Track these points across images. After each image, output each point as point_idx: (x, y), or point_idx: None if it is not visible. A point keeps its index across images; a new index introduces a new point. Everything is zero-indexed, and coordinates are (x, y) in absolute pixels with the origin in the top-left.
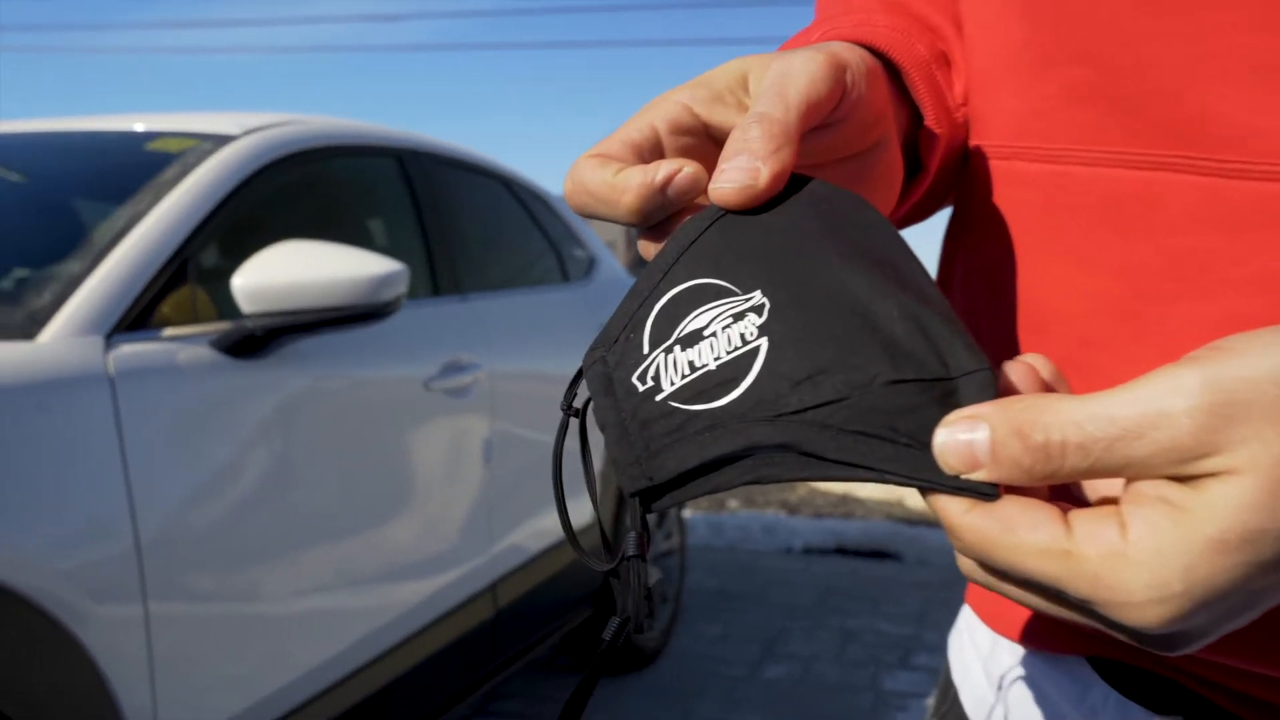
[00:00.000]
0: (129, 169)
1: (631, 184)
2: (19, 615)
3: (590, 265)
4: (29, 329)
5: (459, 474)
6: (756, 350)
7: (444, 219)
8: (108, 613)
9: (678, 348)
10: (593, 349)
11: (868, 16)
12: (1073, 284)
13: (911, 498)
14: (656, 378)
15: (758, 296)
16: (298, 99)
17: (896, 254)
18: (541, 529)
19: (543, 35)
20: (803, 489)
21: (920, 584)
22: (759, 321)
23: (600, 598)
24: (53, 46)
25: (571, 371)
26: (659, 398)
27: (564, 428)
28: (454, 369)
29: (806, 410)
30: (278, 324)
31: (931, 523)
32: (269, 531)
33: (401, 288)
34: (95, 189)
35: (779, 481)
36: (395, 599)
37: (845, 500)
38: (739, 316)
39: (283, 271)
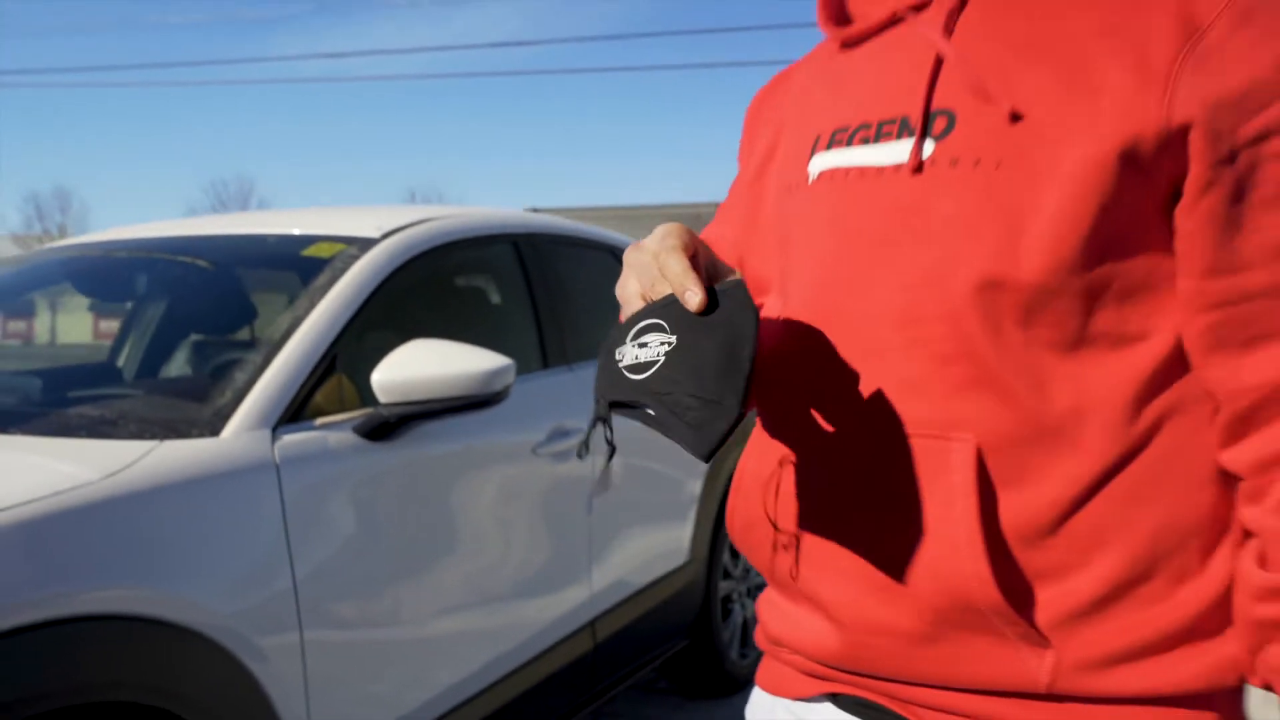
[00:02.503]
0: (289, 272)
1: (691, 285)
2: (198, 649)
3: None
4: (215, 425)
5: (563, 526)
6: (657, 360)
7: (554, 295)
8: (275, 656)
9: (634, 346)
10: (609, 340)
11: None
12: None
13: None
14: (622, 358)
15: (674, 338)
16: (428, 124)
17: (742, 329)
18: (637, 572)
19: (649, 58)
20: None
21: None
22: (668, 348)
23: (695, 629)
24: (191, 80)
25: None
26: (620, 365)
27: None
28: (559, 434)
29: (661, 393)
30: (408, 412)
31: None
32: (402, 577)
33: (509, 379)
34: (265, 288)
35: (631, 417)
36: (508, 633)
37: None
38: (663, 342)
39: (412, 368)
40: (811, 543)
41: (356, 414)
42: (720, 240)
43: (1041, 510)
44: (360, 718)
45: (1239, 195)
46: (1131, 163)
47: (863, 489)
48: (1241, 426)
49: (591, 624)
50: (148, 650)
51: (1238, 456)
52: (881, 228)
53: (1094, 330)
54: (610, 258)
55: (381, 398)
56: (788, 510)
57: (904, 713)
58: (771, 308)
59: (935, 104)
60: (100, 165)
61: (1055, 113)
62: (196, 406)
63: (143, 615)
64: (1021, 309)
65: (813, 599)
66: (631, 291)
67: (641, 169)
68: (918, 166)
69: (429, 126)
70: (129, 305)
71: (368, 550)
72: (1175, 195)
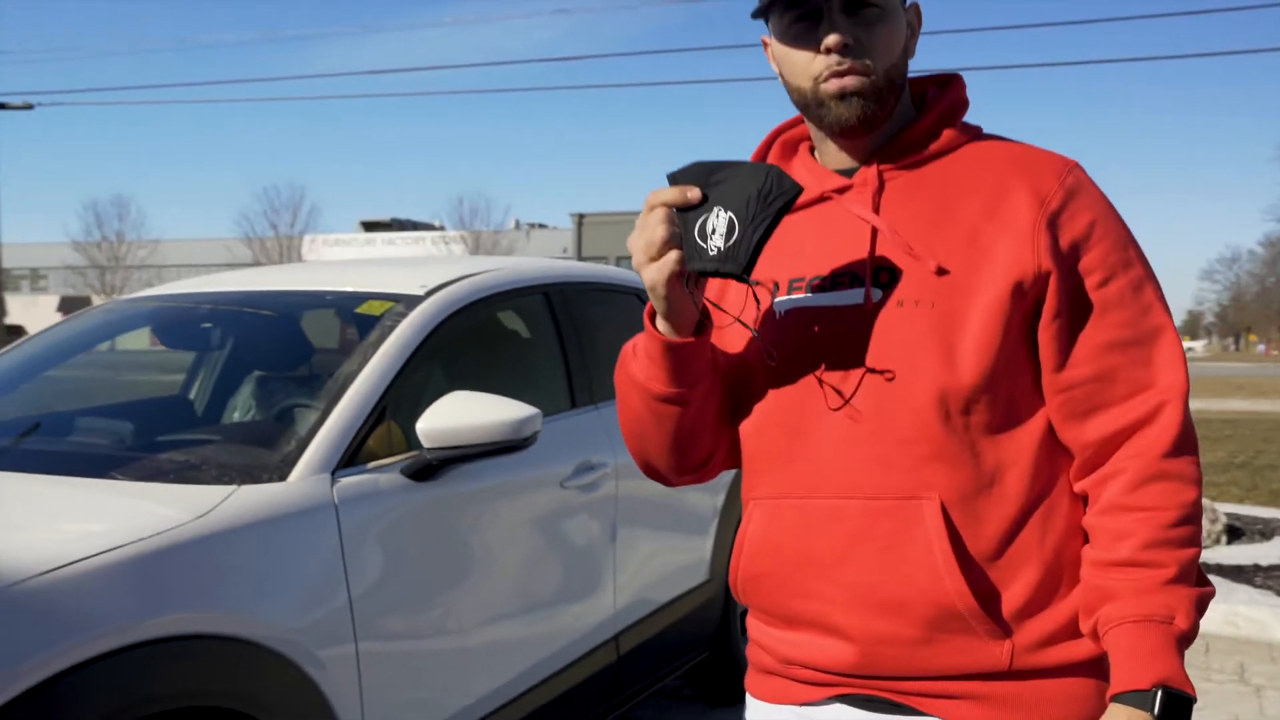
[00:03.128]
0: (342, 329)
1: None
2: (284, 670)
3: None
4: (284, 470)
5: (588, 550)
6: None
7: (582, 339)
8: (334, 667)
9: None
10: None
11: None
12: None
13: None
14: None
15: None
16: (476, 133)
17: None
18: (658, 590)
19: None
20: None
21: None
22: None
23: (715, 641)
24: (246, 98)
25: None
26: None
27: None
28: (585, 469)
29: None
30: (448, 456)
31: None
32: (444, 597)
33: (537, 426)
34: (322, 339)
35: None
36: (539, 645)
37: None
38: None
39: (451, 418)
40: (819, 585)
41: (403, 457)
42: None
43: (989, 540)
44: (407, 717)
45: (1072, 316)
46: (1018, 296)
47: (857, 541)
48: (1087, 467)
49: (615, 638)
50: (229, 663)
51: (1083, 486)
52: (847, 349)
53: (1005, 414)
54: (635, 300)
55: (425, 443)
56: (794, 564)
57: (902, 701)
58: (752, 404)
59: (876, 262)
60: (157, 174)
61: (966, 269)
62: (267, 453)
63: (225, 634)
64: (964, 402)
65: (822, 625)
66: (660, 235)
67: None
68: (873, 305)
69: (476, 135)
70: (204, 342)
71: (414, 575)
72: (1035, 318)
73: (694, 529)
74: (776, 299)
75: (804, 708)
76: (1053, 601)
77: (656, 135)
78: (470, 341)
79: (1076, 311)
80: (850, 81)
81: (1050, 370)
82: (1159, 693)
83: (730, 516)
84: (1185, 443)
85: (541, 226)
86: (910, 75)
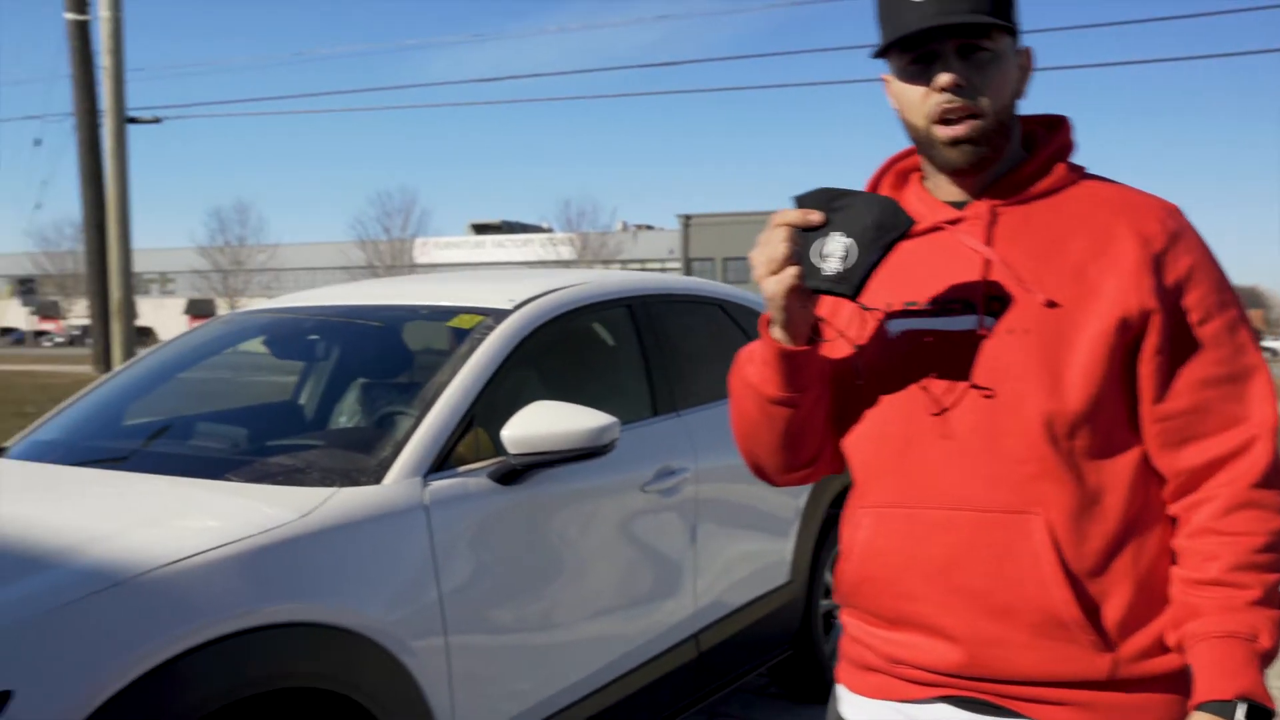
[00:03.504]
0: (437, 339)
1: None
2: (395, 672)
3: None
4: (379, 474)
5: (668, 552)
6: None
7: (664, 350)
8: (425, 656)
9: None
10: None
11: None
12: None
13: None
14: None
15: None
16: (582, 137)
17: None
18: (737, 591)
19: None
20: None
21: None
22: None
23: (798, 641)
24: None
25: None
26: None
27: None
28: (665, 474)
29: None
30: (532, 462)
31: None
32: (528, 594)
33: (615, 434)
34: (421, 348)
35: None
36: (619, 641)
37: None
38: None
39: (535, 426)
40: (927, 590)
41: (490, 462)
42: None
43: (1091, 557)
44: (493, 705)
45: (1172, 352)
46: (1123, 331)
47: (967, 550)
48: (1179, 492)
49: (695, 636)
50: (330, 649)
51: (1175, 510)
52: (954, 371)
53: (1106, 440)
54: (719, 311)
55: (510, 450)
56: (902, 568)
57: (1003, 704)
58: (862, 416)
59: (988, 290)
60: (276, 181)
61: (1074, 303)
62: (364, 458)
63: (326, 623)
64: (1069, 427)
65: (929, 627)
66: (781, 252)
67: (791, 176)
68: (986, 333)
69: (584, 138)
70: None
71: (499, 572)
72: (1135, 352)
73: (775, 532)
74: (891, 320)
75: (906, 704)
76: (1148, 617)
77: (760, 136)
78: (556, 352)
79: (1176, 348)
80: (961, 130)
81: (1149, 401)
82: (1241, 704)
83: (811, 520)
84: (1274, 474)
85: (648, 228)
86: (1021, 114)
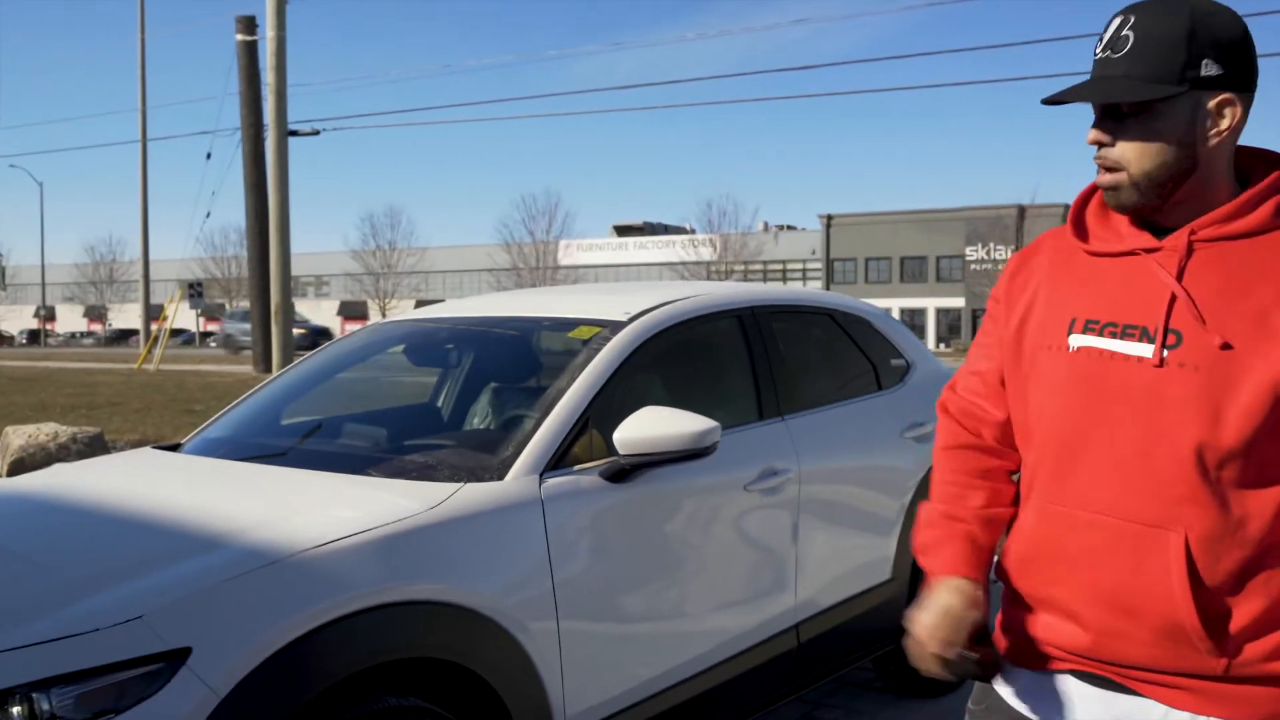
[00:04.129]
0: (560, 350)
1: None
2: (511, 647)
3: (905, 372)
4: (500, 471)
5: (770, 547)
6: None
7: (771, 358)
8: (543, 645)
9: None
10: None
11: (958, 527)
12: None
13: None
14: None
15: None
16: (722, 140)
17: None
18: (838, 587)
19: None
20: None
21: None
22: None
23: (901, 636)
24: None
25: (861, 464)
26: None
27: None
28: (768, 474)
29: None
30: (640, 462)
31: None
32: (635, 584)
33: (716, 437)
34: (544, 357)
35: None
36: (721, 631)
37: None
38: None
39: (643, 429)
40: (1070, 578)
41: (602, 462)
42: (986, 374)
43: (1224, 575)
44: (601, 682)
45: None
46: None
47: (1108, 551)
48: None
49: (795, 627)
50: (453, 625)
51: None
52: (1127, 395)
53: (1258, 474)
54: (829, 320)
55: (621, 450)
56: (1053, 558)
57: (1122, 682)
58: (1028, 430)
59: (1170, 325)
60: (425, 187)
61: (1248, 346)
62: (488, 457)
63: (449, 602)
64: (1220, 459)
65: (1065, 610)
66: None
67: (939, 175)
68: (1160, 363)
69: (726, 139)
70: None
71: (609, 562)
72: None
73: (877, 530)
74: (1073, 335)
75: (1039, 673)
76: (1270, 628)
77: (901, 135)
78: (668, 360)
79: None
80: (1106, 179)
81: None
82: None
83: (915, 520)
84: None
85: (790, 228)
86: (1245, 146)
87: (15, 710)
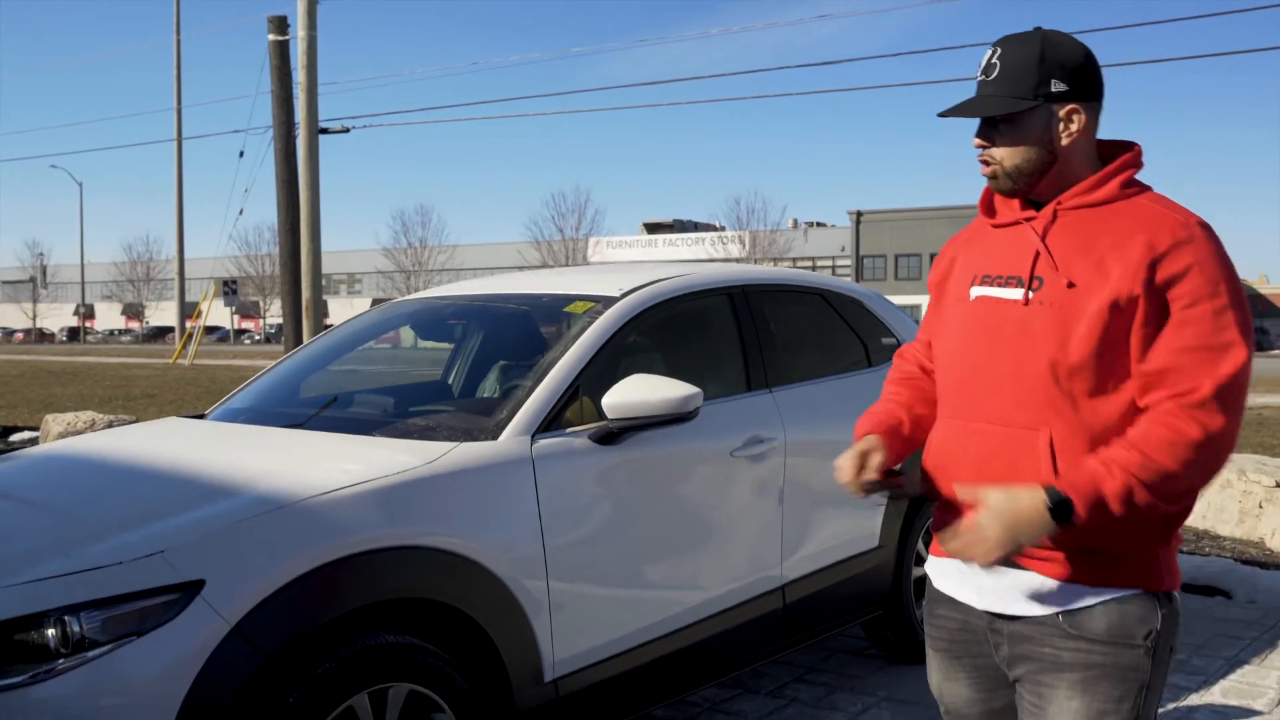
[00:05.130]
0: (554, 323)
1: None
2: (501, 593)
3: (896, 348)
4: (495, 432)
5: (755, 510)
6: None
7: (760, 334)
8: (532, 593)
9: None
10: None
11: (885, 409)
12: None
13: (1274, 540)
14: None
15: None
16: (750, 137)
17: None
18: (824, 552)
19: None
20: None
21: (1247, 622)
22: None
23: (889, 602)
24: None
25: (849, 437)
26: None
27: None
28: (754, 441)
29: None
30: (627, 425)
31: (1266, 563)
32: (622, 539)
33: (699, 402)
34: (540, 329)
35: None
36: (706, 587)
37: (1200, 537)
38: None
39: (631, 395)
40: (969, 478)
41: (592, 426)
42: (922, 345)
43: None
44: (587, 628)
45: (1157, 325)
46: (1115, 308)
47: (995, 453)
48: (1142, 397)
49: (781, 589)
50: (445, 569)
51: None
52: (1005, 329)
53: (1099, 386)
54: (821, 300)
55: (609, 414)
56: (954, 462)
57: (1015, 560)
58: (940, 363)
59: (1035, 272)
60: (455, 184)
61: (1089, 286)
62: (484, 419)
63: (445, 549)
64: (1069, 374)
65: (968, 505)
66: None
67: (969, 171)
68: (1026, 302)
69: (754, 136)
70: (456, 335)
71: (596, 516)
72: (1127, 328)
73: (864, 501)
74: (973, 287)
75: (955, 560)
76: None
77: (931, 131)
78: (659, 334)
79: (1161, 323)
80: (986, 171)
81: (1135, 360)
82: (1053, 493)
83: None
84: (1209, 403)
85: (820, 225)
86: (1105, 139)
87: (50, 632)
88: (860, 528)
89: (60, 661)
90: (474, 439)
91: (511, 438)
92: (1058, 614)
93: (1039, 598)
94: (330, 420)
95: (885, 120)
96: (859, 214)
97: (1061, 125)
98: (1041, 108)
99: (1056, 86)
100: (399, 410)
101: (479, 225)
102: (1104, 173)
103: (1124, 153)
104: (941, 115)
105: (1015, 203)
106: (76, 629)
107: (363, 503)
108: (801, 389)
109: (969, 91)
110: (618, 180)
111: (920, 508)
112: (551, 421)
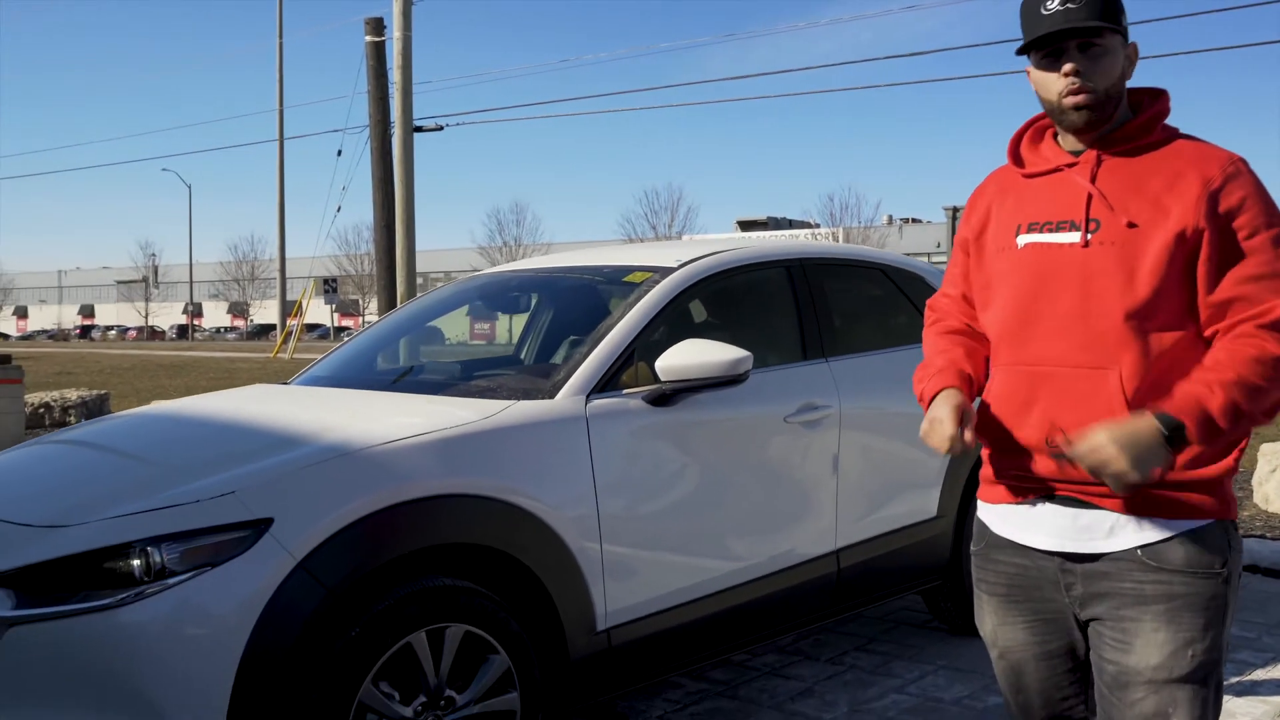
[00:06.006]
0: (613, 292)
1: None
2: (554, 543)
3: None
4: (552, 392)
5: (809, 475)
6: None
7: (817, 305)
8: (586, 544)
9: None
10: None
11: (948, 360)
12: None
13: None
14: None
15: None
16: (854, 136)
17: None
18: (880, 520)
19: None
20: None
21: None
22: None
23: (948, 573)
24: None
25: (907, 408)
26: None
27: None
28: (809, 408)
29: None
30: (680, 387)
31: None
32: (674, 497)
33: (748, 366)
34: (600, 298)
35: None
36: (758, 548)
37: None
38: None
39: (683, 358)
40: (1040, 420)
41: (646, 388)
42: (954, 297)
43: (1148, 399)
44: (638, 580)
45: (1221, 258)
46: (1181, 243)
47: (1064, 393)
48: (1209, 327)
49: (836, 553)
50: (500, 517)
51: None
52: (1064, 273)
53: (1167, 321)
54: (880, 274)
55: (663, 377)
56: (1021, 407)
57: (1086, 499)
58: (992, 313)
59: (1090, 215)
60: (550, 182)
61: (1148, 223)
62: (542, 380)
63: (500, 498)
64: (1135, 312)
65: (1036, 449)
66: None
67: None
68: (1085, 244)
69: (848, 132)
70: (527, 308)
71: (648, 474)
72: (1194, 260)
73: (923, 468)
74: (1019, 236)
75: (1019, 505)
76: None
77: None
78: (715, 303)
79: (1225, 255)
80: (1080, 98)
81: (1203, 293)
82: (1165, 418)
83: (962, 462)
84: None
85: (915, 221)
86: (1131, 86)
87: (135, 562)
88: (918, 498)
89: (144, 588)
90: (530, 397)
91: (567, 397)
92: (1136, 549)
93: (1115, 534)
94: (400, 384)
95: (982, 113)
96: (955, 210)
97: (1127, 61)
98: (1120, 38)
99: (1123, 22)
100: (464, 374)
101: (573, 223)
102: (1148, 116)
103: (1152, 99)
104: (1043, 36)
105: (1050, 151)
106: (158, 559)
107: (422, 452)
108: (859, 360)
109: None
110: (711, 178)
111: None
112: (607, 383)
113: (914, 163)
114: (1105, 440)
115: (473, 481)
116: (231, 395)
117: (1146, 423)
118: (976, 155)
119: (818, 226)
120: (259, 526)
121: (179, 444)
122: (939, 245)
